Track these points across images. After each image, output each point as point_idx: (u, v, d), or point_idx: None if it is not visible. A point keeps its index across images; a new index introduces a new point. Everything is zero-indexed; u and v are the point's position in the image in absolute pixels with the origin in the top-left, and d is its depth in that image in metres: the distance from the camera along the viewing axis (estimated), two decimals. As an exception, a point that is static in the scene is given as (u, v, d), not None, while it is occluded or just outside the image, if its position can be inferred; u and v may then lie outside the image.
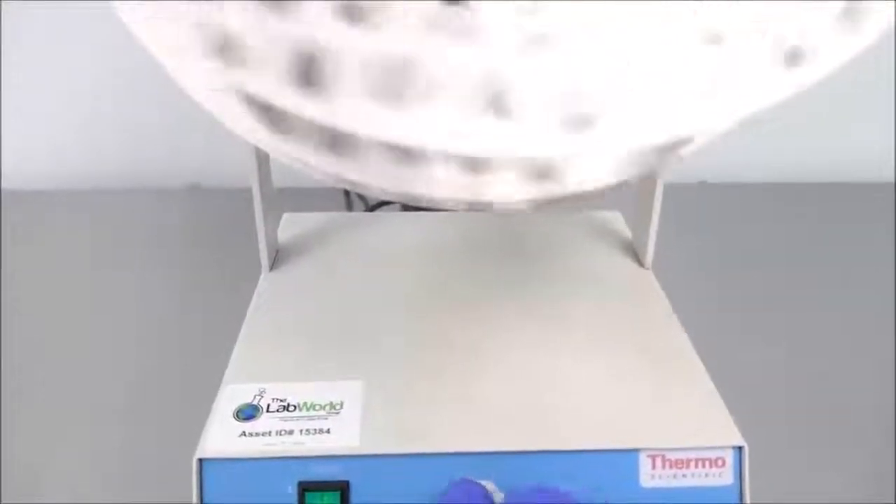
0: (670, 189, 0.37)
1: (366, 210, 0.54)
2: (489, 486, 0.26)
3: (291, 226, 0.41)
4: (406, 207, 0.50)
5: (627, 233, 0.41)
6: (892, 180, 0.68)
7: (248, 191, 0.36)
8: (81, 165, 0.68)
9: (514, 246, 0.39)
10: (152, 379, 0.42)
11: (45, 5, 0.61)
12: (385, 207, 0.52)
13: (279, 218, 0.41)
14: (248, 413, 0.28)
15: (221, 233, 0.56)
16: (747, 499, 0.27)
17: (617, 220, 0.42)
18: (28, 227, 0.60)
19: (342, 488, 0.26)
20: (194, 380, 0.32)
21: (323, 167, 0.21)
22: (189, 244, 0.57)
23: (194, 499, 0.26)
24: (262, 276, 0.37)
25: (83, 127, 0.68)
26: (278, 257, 0.38)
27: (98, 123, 0.67)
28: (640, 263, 0.38)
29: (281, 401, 0.28)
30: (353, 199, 0.57)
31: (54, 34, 0.63)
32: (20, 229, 0.59)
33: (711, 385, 0.30)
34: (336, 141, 0.20)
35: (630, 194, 0.39)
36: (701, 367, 0.31)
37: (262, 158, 0.36)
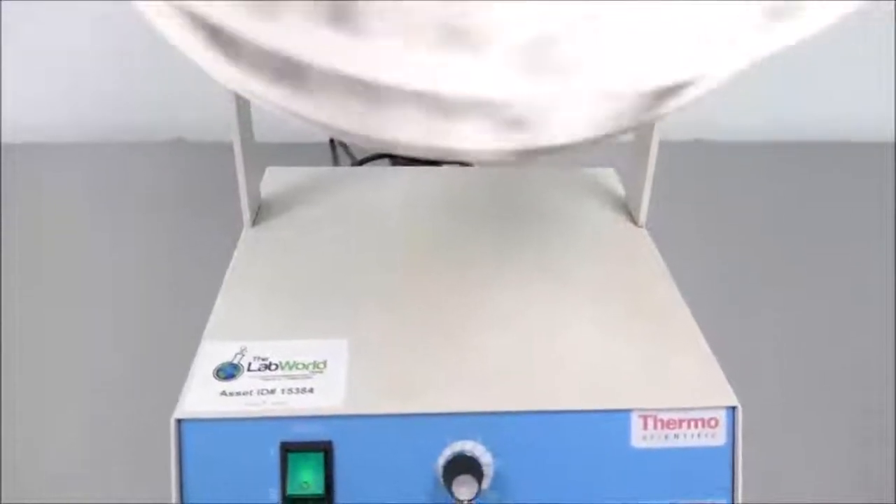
0: (665, 146, 0.36)
1: (352, 164, 0.52)
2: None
3: (274, 180, 0.40)
4: (394, 162, 0.49)
5: (621, 190, 0.40)
6: (892, 140, 0.68)
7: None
8: (67, 119, 0.67)
9: (505, 203, 0.38)
10: (133, 334, 0.42)
11: None
12: (373, 162, 0.50)
13: (261, 172, 0.40)
14: (228, 372, 0.27)
15: (205, 187, 0.55)
16: (739, 460, 0.26)
17: (611, 177, 0.41)
18: (13, 181, 0.58)
19: (326, 449, 0.26)
20: (176, 336, 0.31)
21: (277, 101, 0.20)
22: (172, 198, 0.55)
23: (172, 460, 0.25)
24: (243, 231, 0.36)
25: (69, 81, 0.66)
26: (260, 212, 0.37)
27: (83, 78, 0.66)
28: (634, 222, 0.37)
29: (262, 359, 0.27)
30: (339, 154, 0.55)
31: None
32: (6, 183, 0.58)
33: (705, 345, 0.29)
34: (290, 72, 0.18)
35: (625, 150, 0.38)
36: (695, 327, 0.30)
37: (243, 109, 0.34)
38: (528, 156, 0.23)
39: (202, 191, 0.55)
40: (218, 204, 0.42)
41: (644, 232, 0.36)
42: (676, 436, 0.26)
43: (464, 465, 0.25)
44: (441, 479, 0.25)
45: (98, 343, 0.41)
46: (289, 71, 0.18)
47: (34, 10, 0.63)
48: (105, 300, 0.45)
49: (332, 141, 0.56)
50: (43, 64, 0.65)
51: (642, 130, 0.35)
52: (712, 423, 0.26)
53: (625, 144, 0.35)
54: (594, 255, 0.34)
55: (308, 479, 0.25)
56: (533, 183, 0.40)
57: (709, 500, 0.27)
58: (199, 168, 0.58)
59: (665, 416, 0.26)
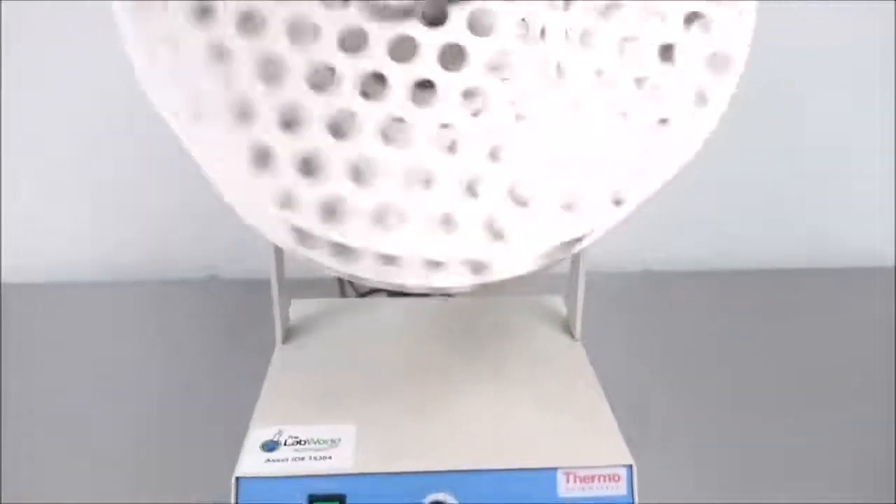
0: (616, 276, 0.48)
1: (357, 296, 0.64)
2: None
3: (299, 309, 0.52)
4: (390, 294, 0.61)
5: (565, 312, 0.52)
6: (818, 266, 0.80)
7: (259, 282, 0.47)
8: (101, 256, 0.78)
9: (472, 325, 0.50)
10: (175, 443, 0.51)
11: (64, 86, 0.72)
12: (373, 294, 0.63)
13: (289, 303, 0.52)
14: (270, 446, 0.38)
15: (236, 319, 0.67)
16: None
17: (557, 302, 0.53)
18: (44, 319, 0.69)
19: (340, 499, 0.36)
20: (219, 437, 0.41)
21: (333, 267, 0.32)
22: (204, 329, 0.67)
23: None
24: (276, 349, 0.47)
25: (101, 218, 0.77)
26: (288, 334, 0.49)
27: (117, 215, 0.77)
28: (572, 336, 0.49)
29: (295, 437, 0.38)
30: (345, 287, 0.67)
31: (74, 121, 0.73)
32: (38, 320, 0.69)
33: (614, 422, 0.40)
34: (343, 251, 0.31)
35: (564, 281, 0.50)
36: (608, 409, 0.41)
37: (279, 256, 0.47)
38: (490, 286, 0.35)
39: (231, 323, 0.67)
40: (247, 334, 0.54)
41: (579, 344, 0.48)
42: (591, 488, 0.37)
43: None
44: (422, 520, 0.36)
45: (148, 457, 0.51)
46: (343, 251, 0.31)
47: (66, 139, 0.74)
48: (149, 413, 0.55)
49: (339, 278, 0.68)
50: (76, 199, 0.76)
51: (573, 264, 0.48)
52: (616, 478, 0.37)
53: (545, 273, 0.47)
54: (536, 360, 0.46)
55: (328, 522, 0.36)
56: (495, 309, 0.52)
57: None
58: (229, 302, 0.70)
59: (581, 473, 0.37)
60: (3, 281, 0.76)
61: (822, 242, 0.83)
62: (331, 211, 0.30)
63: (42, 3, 0.69)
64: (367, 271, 0.32)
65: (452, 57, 0.32)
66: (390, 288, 0.35)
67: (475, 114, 0.32)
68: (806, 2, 0.73)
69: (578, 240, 0.34)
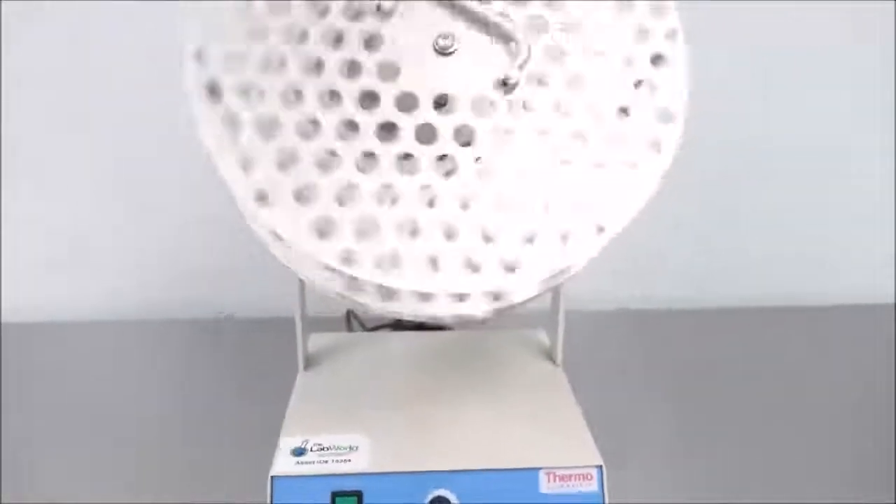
0: (597, 314, 0.56)
1: (364, 330, 0.72)
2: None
3: (317, 341, 0.59)
4: (394, 328, 0.69)
5: (547, 342, 0.59)
6: (788, 304, 0.87)
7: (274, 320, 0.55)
8: (128, 297, 0.85)
9: (466, 354, 0.58)
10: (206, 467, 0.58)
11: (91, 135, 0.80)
12: (379, 329, 0.70)
13: (308, 336, 0.59)
14: (299, 452, 0.45)
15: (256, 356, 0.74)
16: (606, 500, 0.44)
17: (541, 334, 0.61)
18: (62, 357, 0.76)
19: (358, 495, 0.43)
20: (251, 454, 0.48)
21: (376, 306, 0.40)
22: (228, 365, 0.74)
23: (270, 501, 0.43)
24: (298, 375, 0.55)
25: (124, 260, 0.84)
26: (308, 362, 0.56)
27: (143, 259, 0.84)
28: (554, 363, 0.56)
29: (319, 445, 0.46)
30: (352, 323, 0.75)
31: (107, 170, 0.81)
32: (51, 359, 0.75)
33: (587, 431, 0.47)
34: (387, 293, 0.39)
35: (546, 317, 0.58)
36: (582, 420, 0.48)
37: (302, 297, 0.54)
38: (503, 312, 0.42)
39: (248, 361, 0.74)
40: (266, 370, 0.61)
41: (559, 369, 0.56)
42: (568, 485, 0.44)
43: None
44: (427, 512, 0.43)
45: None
46: (387, 293, 0.38)
47: (96, 182, 0.81)
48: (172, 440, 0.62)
49: (347, 314, 0.76)
50: (96, 241, 0.83)
51: (553, 300, 0.55)
52: (588, 476, 0.44)
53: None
54: (522, 382, 0.53)
55: (347, 514, 0.43)
56: (486, 340, 0.60)
57: (588, 528, 0.44)
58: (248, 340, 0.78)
59: (560, 473, 0.44)
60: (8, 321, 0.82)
61: (803, 281, 0.90)
62: (380, 262, 0.38)
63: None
64: (406, 307, 0.39)
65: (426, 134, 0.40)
66: (422, 319, 0.42)
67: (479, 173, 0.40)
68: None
69: (569, 268, 0.41)
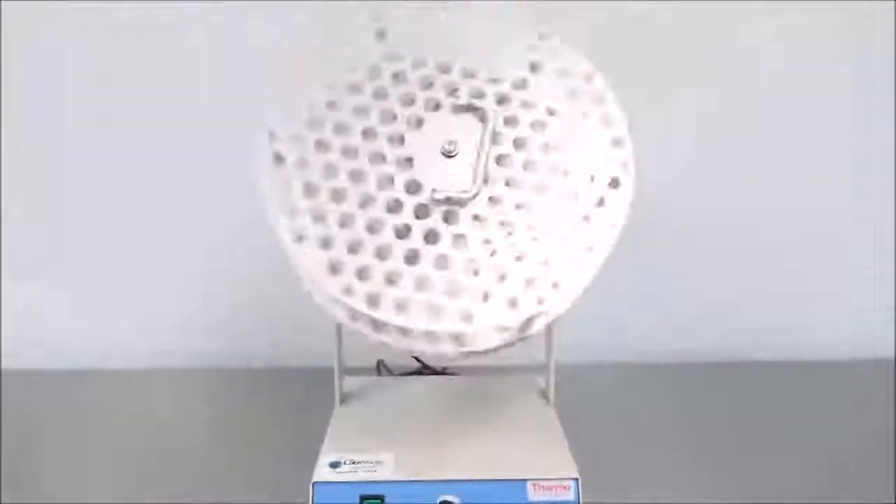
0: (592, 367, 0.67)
1: (392, 375, 0.84)
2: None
3: (350, 383, 0.71)
4: (419, 373, 0.81)
5: (542, 385, 0.70)
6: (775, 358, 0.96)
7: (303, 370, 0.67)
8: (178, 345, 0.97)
9: (474, 395, 0.69)
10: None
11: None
12: (405, 376, 0.82)
13: (343, 378, 0.71)
14: (335, 464, 0.57)
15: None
16: (581, 505, 0.55)
17: (539, 380, 0.72)
18: (116, 404, 0.86)
19: (381, 498, 0.54)
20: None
21: (398, 345, 0.52)
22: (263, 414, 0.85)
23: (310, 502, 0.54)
24: (335, 408, 0.67)
25: (170, 309, 0.96)
26: (343, 399, 0.68)
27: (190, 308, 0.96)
28: (547, 401, 0.67)
29: (351, 459, 0.57)
30: (381, 371, 0.87)
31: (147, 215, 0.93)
32: (105, 405, 0.86)
33: (569, 453, 0.58)
34: (405, 332, 0.51)
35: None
36: (565, 444, 0.59)
37: (339, 344, 0.66)
38: (471, 356, 0.54)
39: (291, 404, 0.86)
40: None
41: (551, 406, 0.67)
42: (551, 494, 0.55)
43: (447, 506, 0.54)
44: (436, 515, 0.54)
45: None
46: (405, 332, 0.51)
47: (137, 231, 0.92)
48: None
49: (378, 364, 0.88)
50: (143, 290, 0.95)
51: (547, 347, 0.67)
52: (566, 487, 0.55)
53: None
54: (518, 416, 0.65)
55: (373, 514, 0.54)
56: (491, 384, 0.71)
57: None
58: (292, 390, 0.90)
59: (544, 483, 0.55)
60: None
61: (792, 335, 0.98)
62: (400, 306, 0.51)
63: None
64: (421, 346, 0.51)
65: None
66: (436, 357, 0.54)
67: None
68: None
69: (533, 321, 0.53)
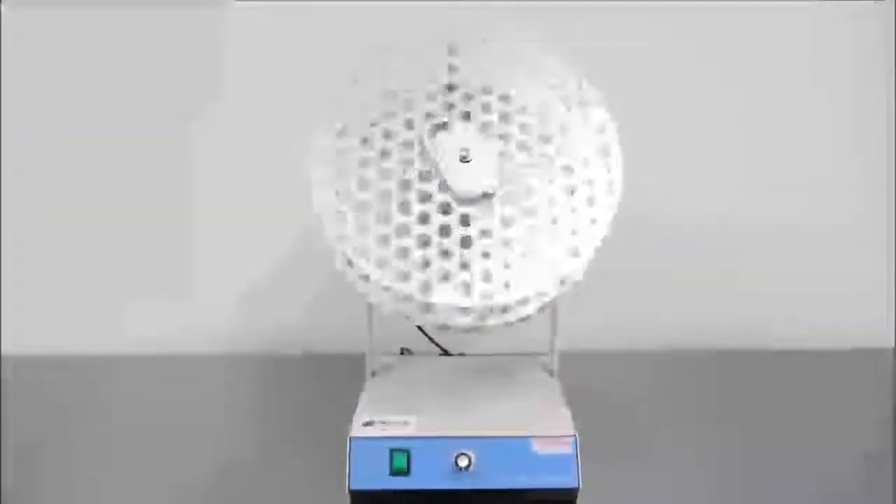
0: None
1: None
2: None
3: (380, 360, 0.81)
4: (439, 355, 0.91)
5: (547, 363, 0.80)
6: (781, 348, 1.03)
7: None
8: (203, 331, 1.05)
9: (489, 370, 0.79)
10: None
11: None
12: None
13: (376, 357, 0.81)
14: (368, 423, 0.66)
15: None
16: (578, 460, 0.64)
17: (545, 358, 0.81)
18: (143, 390, 0.95)
19: (407, 451, 0.64)
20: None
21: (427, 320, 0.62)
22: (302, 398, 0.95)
23: (349, 455, 0.64)
24: (367, 381, 0.77)
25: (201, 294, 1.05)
26: (374, 373, 0.78)
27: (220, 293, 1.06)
28: (551, 375, 0.77)
29: (382, 420, 0.67)
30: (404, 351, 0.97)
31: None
32: (140, 390, 0.95)
33: (568, 413, 0.67)
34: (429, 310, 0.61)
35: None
36: (566, 409, 0.69)
37: (371, 321, 0.76)
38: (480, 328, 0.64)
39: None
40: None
41: (555, 380, 0.76)
42: (552, 448, 0.64)
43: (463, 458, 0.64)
44: (453, 463, 0.63)
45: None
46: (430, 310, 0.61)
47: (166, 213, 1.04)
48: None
49: (402, 350, 0.98)
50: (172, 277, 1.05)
51: (552, 325, 0.76)
52: (565, 442, 0.64)
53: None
54: (524, 386, 0.75)
55: (401, 464, 0.64)
56: (502, 362, 0.81)
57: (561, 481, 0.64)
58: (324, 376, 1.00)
59: (546, 440, 0.64)
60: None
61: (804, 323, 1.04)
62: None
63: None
64: (436, 317, 0.62)
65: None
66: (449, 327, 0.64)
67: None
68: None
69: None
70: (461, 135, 0.64)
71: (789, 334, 1.04)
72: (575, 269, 0.63)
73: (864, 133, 1.03)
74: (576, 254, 0.63)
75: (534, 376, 0.77)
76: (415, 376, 0.78)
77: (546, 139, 0.66)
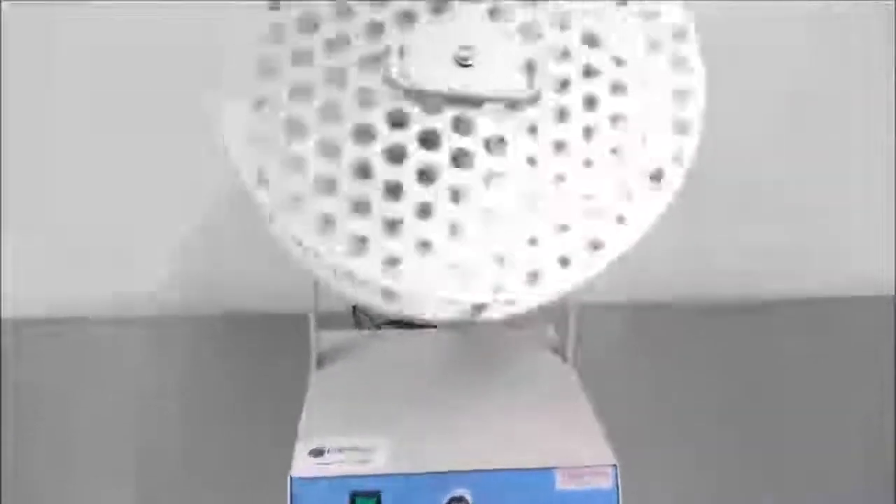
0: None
1: (372, 326, 0.73)
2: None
3: (327, 339, 0.60)
4: (399, 327, 0.69)
5: (556, 339, 0.60)
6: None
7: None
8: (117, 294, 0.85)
9: (478, 353, 0.59)
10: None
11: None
12: (386, 326, 0.71)
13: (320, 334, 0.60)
14: (317, 453, 0.46)
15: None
16: (620, 498, 0.45)
17: (550, 332, 0.61)
18: (62, 355, 0.76)
19: (377, 495, 0.44)
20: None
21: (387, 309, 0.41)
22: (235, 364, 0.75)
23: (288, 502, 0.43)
24: (311, 374, 0.55)
25: (116, 255, 0.84)
26: (321, 361, 0.57)
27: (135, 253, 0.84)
28: (564, 359, 0.57)
29: (338, 447, 0.46)
30: (360, 320, 0.75)
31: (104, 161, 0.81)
32: (57, 357, 0.76)
33: (600, 428, 0.48)
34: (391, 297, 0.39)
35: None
36: (595, 419, 0.49)
37: (316, 296, 0.54)
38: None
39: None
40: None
41: (570, 366, 0.56)
42: (583, 482, 0.45)
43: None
44: (444, 512, 0.44)
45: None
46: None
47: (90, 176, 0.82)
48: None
49: (353, 309, 0.76)
50: (92, 236, 0.84)
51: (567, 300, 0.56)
52: (603, 474, 0.45)
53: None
54: (532, 380, 0.55)
55: (367, 514, 0.43)
56: (495, 339, 0.60)
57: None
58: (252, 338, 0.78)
59: (575, 472, 0.45)
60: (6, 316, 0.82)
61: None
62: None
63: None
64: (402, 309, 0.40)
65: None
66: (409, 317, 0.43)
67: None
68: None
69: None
70: (460, 22, 0.41)
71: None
72: (621, 242, 0.42)
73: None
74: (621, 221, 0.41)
75: (544, 365, 0.57)
76: (377, 364, 0.57)
77: (618, 60, 0.43)
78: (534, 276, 0.40)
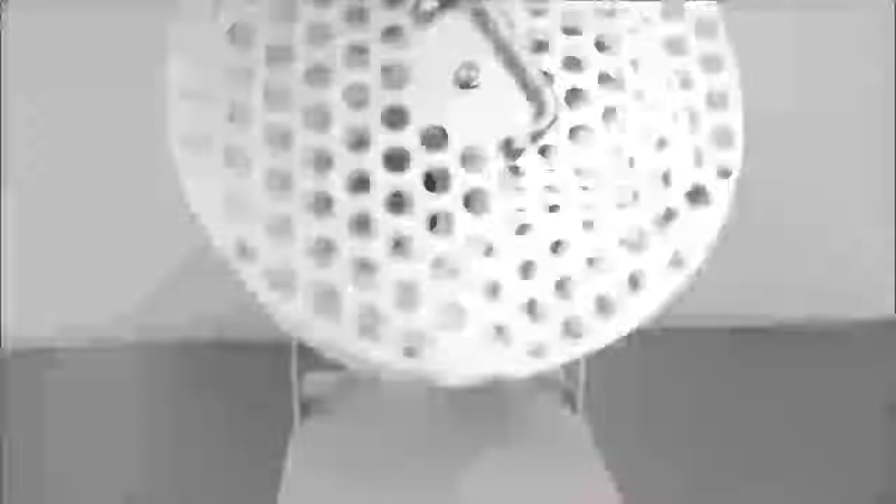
0: None
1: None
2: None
3: (313, 382, 0.54)
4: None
5: (563, 384, 0.54)
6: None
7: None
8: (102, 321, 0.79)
9: (479, 401, 0.53)
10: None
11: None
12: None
13: (304, 376, 0.54)
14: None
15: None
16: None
17: (558, 376, 0.56)
18: (49, 385, 0.70)
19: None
20: None
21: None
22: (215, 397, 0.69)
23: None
24: (295, 427, 0.50)
25: (104, 280, 0.78)
26: (305, 409, 0.51)
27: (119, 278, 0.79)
28: (573, 409, 0.52)
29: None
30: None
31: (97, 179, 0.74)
32: (50, 386, 0.70)
33: (615, 492, 0.43)
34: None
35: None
36: (609, 481, 0.44)
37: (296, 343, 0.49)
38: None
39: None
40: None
41: (579, 417, 0.51)
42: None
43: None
44: None
45: None
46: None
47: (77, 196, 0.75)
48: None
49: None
50: (79, 260, 0.77)
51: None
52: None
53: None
54: (539, 434, 0.50)
55: None
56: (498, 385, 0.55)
57: None
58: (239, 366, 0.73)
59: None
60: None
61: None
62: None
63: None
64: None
65: None
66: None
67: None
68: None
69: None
70: (460, 34, 0.36)
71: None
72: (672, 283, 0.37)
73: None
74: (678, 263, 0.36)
75: (551, 416, 0.52)
76: (371, 416, 0.52)
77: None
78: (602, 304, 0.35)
